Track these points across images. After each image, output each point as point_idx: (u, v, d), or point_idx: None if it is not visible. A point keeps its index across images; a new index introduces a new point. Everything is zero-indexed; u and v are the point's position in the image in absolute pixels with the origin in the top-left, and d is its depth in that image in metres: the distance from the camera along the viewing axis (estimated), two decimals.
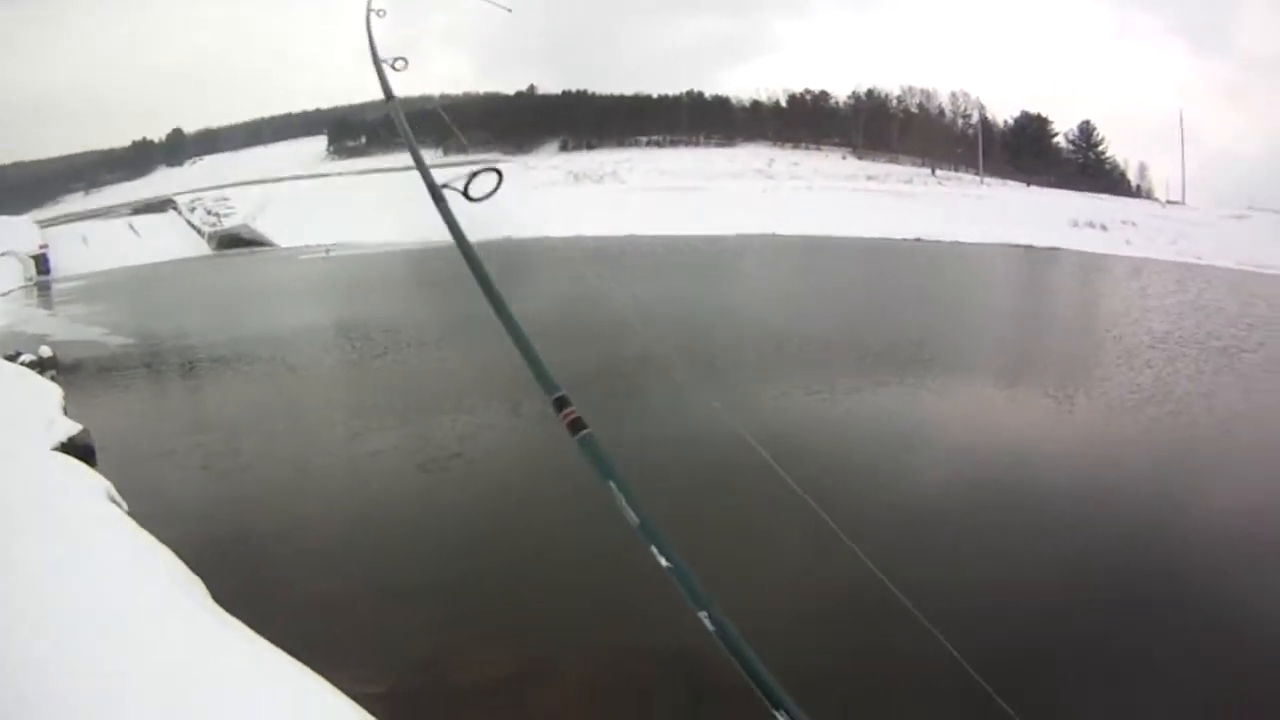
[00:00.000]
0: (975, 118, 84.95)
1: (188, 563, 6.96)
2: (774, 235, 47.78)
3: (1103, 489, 12.65)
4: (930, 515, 11.18)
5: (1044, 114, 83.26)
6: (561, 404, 2.69)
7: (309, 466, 11.89)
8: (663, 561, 2.17)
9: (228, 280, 43.00)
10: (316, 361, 18.29)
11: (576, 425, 2.56)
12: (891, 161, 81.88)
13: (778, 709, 1.95)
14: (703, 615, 2.06)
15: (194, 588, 6.51)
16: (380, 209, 53.98)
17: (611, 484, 2.35)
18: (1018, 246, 50.30)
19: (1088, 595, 9.44)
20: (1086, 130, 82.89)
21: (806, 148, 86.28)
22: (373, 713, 5.14)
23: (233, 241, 61.39)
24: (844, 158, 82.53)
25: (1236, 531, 11.63)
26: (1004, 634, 8.09)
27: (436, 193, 4.45)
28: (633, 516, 2.29)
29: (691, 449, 12.19)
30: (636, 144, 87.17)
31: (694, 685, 6.79)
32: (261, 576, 8.15)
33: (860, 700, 6.77)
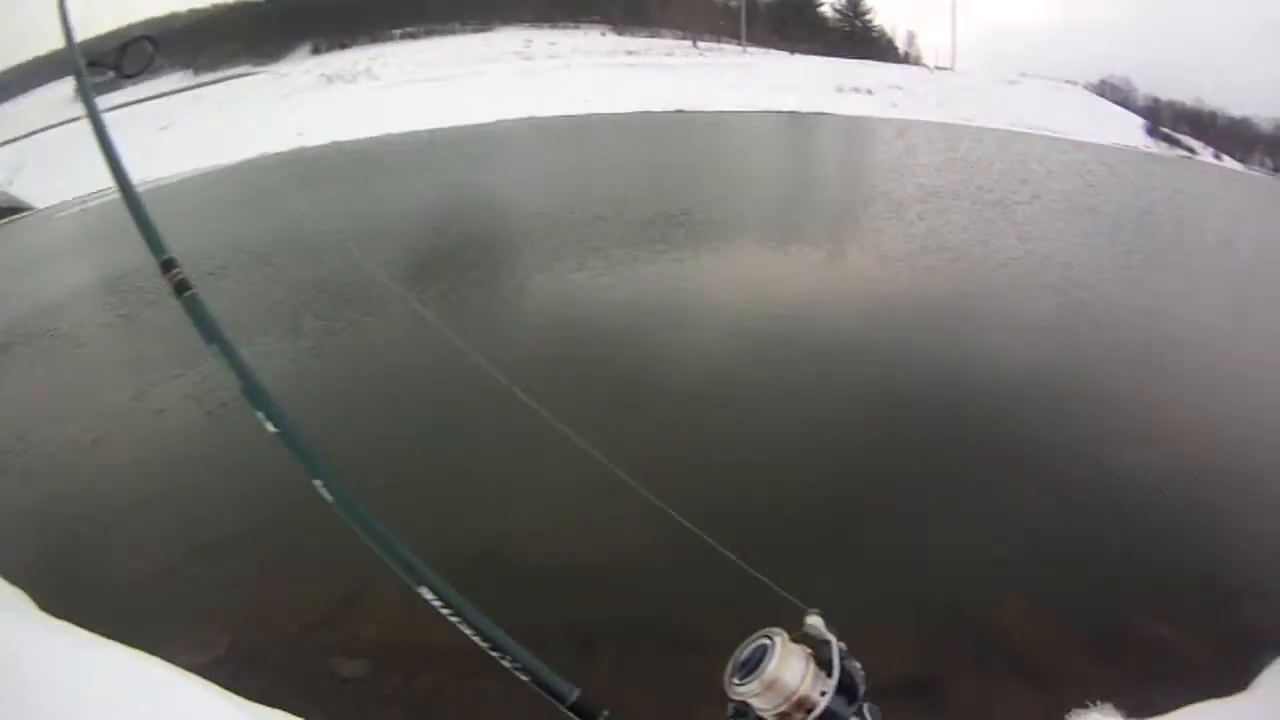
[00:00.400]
0: None
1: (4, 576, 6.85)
2: (533, 118, 46.94)
3: (881, 338, 13.42)
4: (704, 384, 11.66)
5: None
6: (169, 265, 2.62)
7: (101, 443, 11.08)
8: (270, 427, 2.12)
9: None
10: (84, 327, 16.72)
11: (182, 286, 2.50)
12: (653, 36, 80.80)
13: (420, 586, 2.00)
14: (318, 484, 2.01)
15: (17, 600, 6.49)
16: (135, 144, 50.07)
17: (215, 347, 2.29)
18: (782, 113, 51.05)
19: (870, 438, 10.30)
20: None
21: (565, 27, 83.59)
22: (214, 678, 5.18)
23: None
24: (603, 34, 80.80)
25: (1017, 368, 12.69)
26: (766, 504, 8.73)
27: (79, 71, 4.05)
28: (236, 380, 2.22)
29: (402, 353, 12.43)
30: (390, 38, 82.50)
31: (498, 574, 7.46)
32: (80, 571, 7.95)
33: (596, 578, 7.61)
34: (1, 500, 10.07)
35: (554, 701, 1.81)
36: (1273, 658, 6.28)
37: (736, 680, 1.70)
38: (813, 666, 1.68)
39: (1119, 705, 5.75)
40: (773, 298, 15.26)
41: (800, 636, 1.75)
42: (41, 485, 10.28)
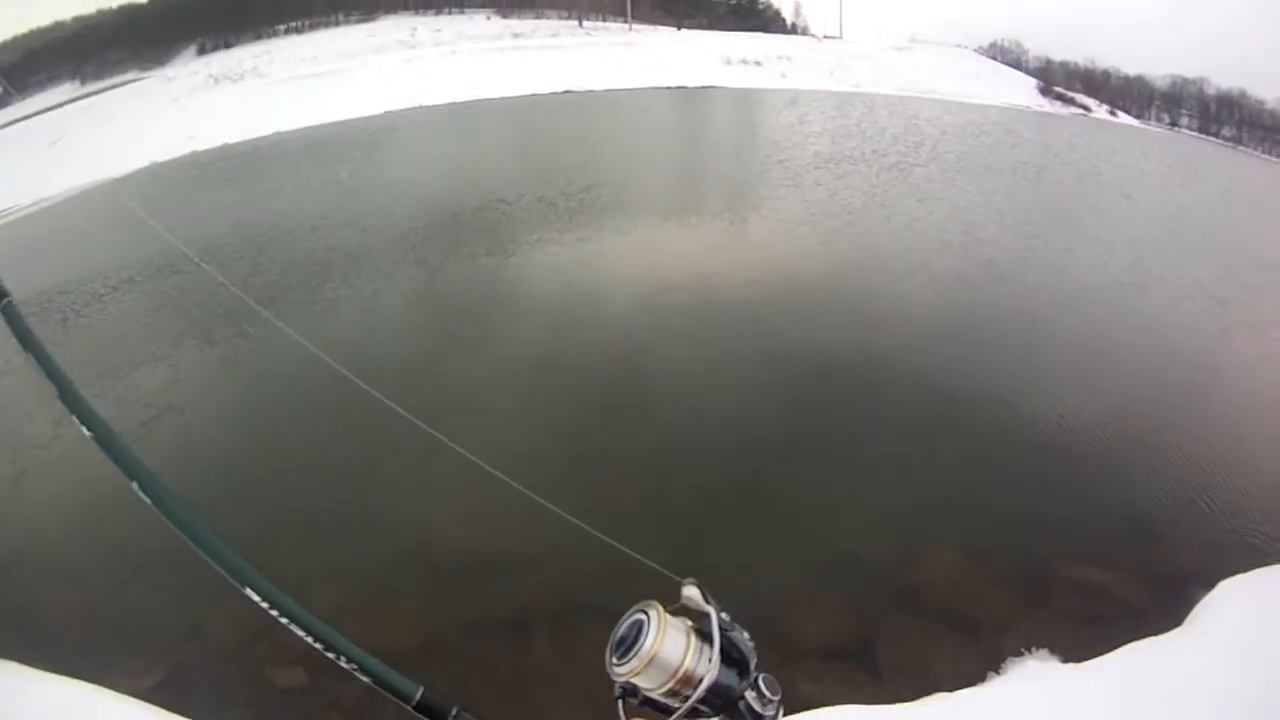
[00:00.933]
0: None
1: None
2: (420, 107, 46.46)
3: (791, 303, 13.57)
4: (613, 359, 11.72)
5: None
6: None
7: (23, 474, 10.65)
8: (85, 431, 2.01)
9: None
10: None
11: None
12: (539, 17, 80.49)
13: (245, 588, 1.82)
14: (134, 486, 1.88)
15: None
16: (26, 161, 48.92)
17: (29, 353, 2.20)
18: (671, 89, 50.89)
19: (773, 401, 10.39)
20: None
21: (449, 12, 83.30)
22: (160, 701, 5.36)
23: None
24: (488, 18, 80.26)
25: (928, 325, 12.92)
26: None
27: None
28: (51, 387, 2.14)
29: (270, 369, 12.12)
30: (275, 34, 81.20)
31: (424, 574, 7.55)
32: (14, 610, 7.58)
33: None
34: None
35: (399, 701, 1.75)
36: (1203, 593, 6.41)
37: (615, 660, 1.62)
38: (694, 639, 1.62)
39: (1055, 650, 6.00)
40: (680, 269, 15.41)
41: (679, 609, 1.69)
42: None
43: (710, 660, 1.61)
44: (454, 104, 47.09)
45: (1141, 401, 10.53)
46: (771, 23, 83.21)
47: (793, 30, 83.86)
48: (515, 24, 76.80)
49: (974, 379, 10.85)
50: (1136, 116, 65.82)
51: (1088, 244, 18.27)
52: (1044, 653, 6.07)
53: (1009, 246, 17.29)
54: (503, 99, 47.66)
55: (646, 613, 1.64)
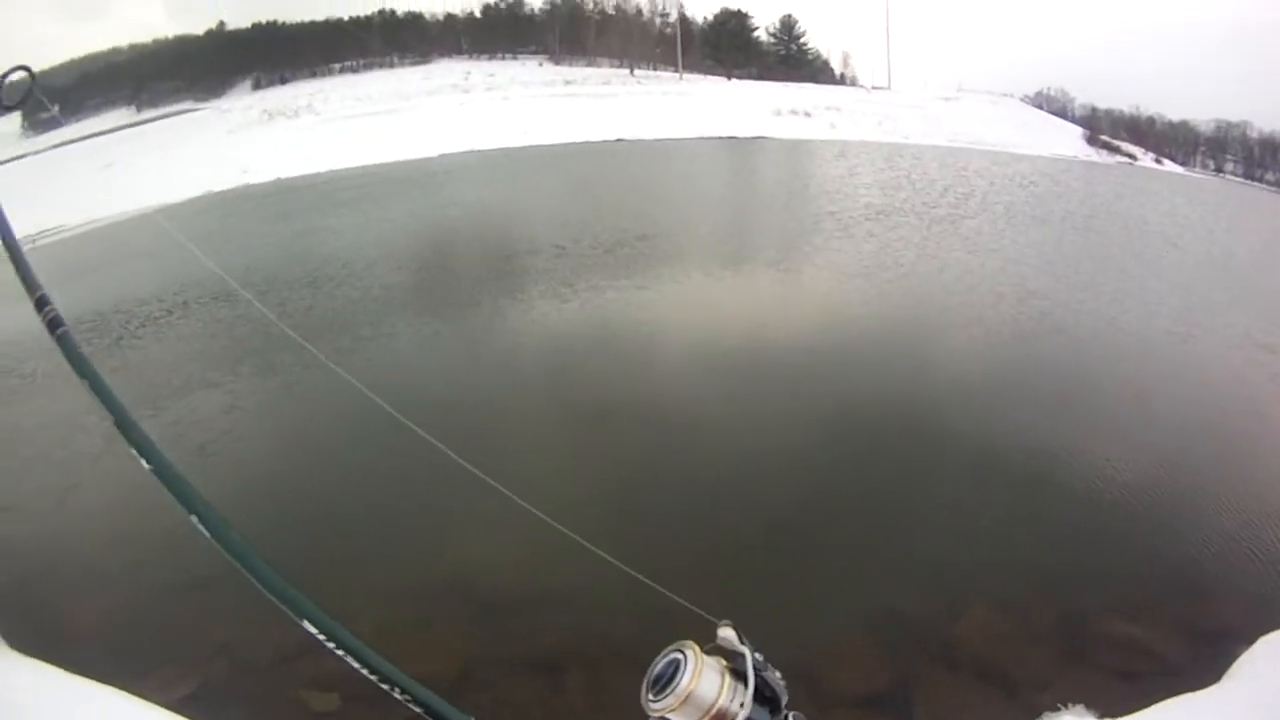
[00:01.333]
0: (674, 16, 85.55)
1: None
2: (473, 151, 46.87)
3: (843, 354, 13.55)
4: (668, 406, 11.63)
5: (743, 9, 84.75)
6: (42, 303, 2.63)
7: (73, 487, 10.68)
8: (144, 464, 2.05)
9: None
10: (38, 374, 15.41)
11: (55, 323, 2.51)
12: (590, 65, 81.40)
13: (303, 620, 1.91)
14: (193, 519, 1.93)
15: None
16: (78, 183, 49.66)
17: (85, 382, 2.27)
18: (721, 138, 51.10)
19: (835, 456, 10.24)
20: (788, 23, 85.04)
21: (503, 58, 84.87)
22: (184, 713, 5.30)
23: None
24: (541, 65, 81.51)
25: (977, 376, 12.91)
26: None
27: None
28: (106, 413, 2.18)
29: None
30: (330, 72, 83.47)
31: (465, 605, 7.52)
32: (53, 609, 7.72)
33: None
34: None
35: None
36: (1243, 649, 6.24)
37: (652, 697, 1.66)
38: (729, 679, 1.66)
39: (1091, 705, 5.80)
40: (733, 319, 15.38)
41: (714, 649, 1.74)
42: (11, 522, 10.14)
43: (743, 699, 1.67)
44: (507, 149, 47.38)
45: (1186, 452, 10.36)
46: (820, 73, 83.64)
47: (841, 81, 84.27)
48: (567, 71, 77.65)
49: (1019, 432, 10.76)
50: (1181, 164, 65.59)
51: (1136, 293, 18.07)
52: (1080, 709, 5.87)
53: (1059, 298, 17.05)
54: (555, 145, 48.08)
55: (684, 652, 1.70)
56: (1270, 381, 13.25)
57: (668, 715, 1.65)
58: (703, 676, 1.65)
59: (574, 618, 7.27)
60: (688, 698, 1.63)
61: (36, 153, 71.84)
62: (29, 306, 2.47)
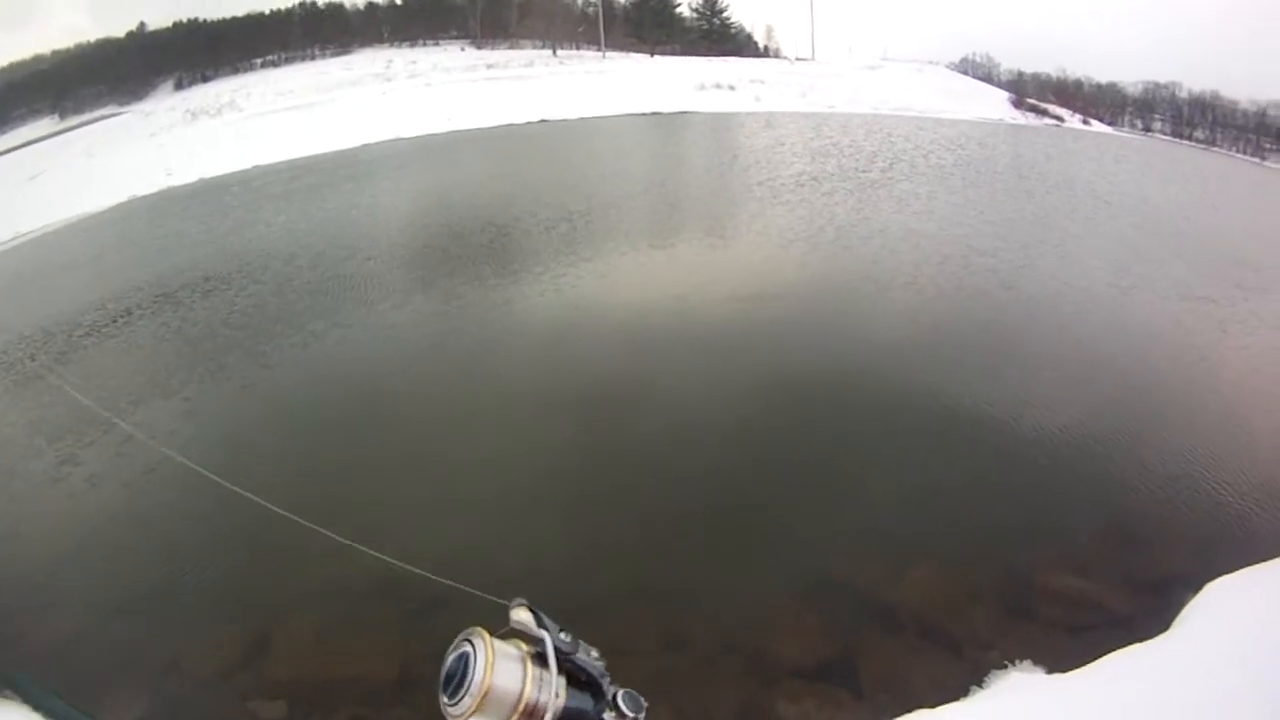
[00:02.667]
0: None
1: None
2: (397, 139, 46.32)
3: (779, 326, 13.43)
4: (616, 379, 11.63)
5: None
6: None
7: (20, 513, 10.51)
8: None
9: None
10: None
11: None
12: (512, 48, 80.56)
13: None
14: None
15: None
16: (4, 196, 48.68)
17: None
18: (644, 115, 51.08)
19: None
20: None
21: (425, 44, 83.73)
22: None
23: None
24: (463, 49, 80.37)
25: (918, 340, 12.78)
26: None
27: None
28: None
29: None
30: (252, 68, 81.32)
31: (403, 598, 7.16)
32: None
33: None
34: None
35: None
36: (1190, 596, 6.30)
37: (448, 700, 1.46)
38: (531, 666, 1.50)
39: (1038, 661, 5.89)
40: (669, 291, 15.24)
41: (508, 633, 1.60)
42: None
43: (557, 689, 1.52)
44: (430, 135, 47.07)
45: (1127, 404, 10.45)
46: (744, 47, 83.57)
47: (765, 53, 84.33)
48: (489, 55, 76.91)
49: (960, 391, 10.71)
50: (1110, 124, 66.32)
51: (1073, 251, 18.27)
52: (1027, 664, 5.97)
53: (1003, 256, 17.24)
54: (478, 129, 47.80)
55: (471, 642, 1.51)
56: (1210, 331, 13.36)
57: (470, 719, 1.44)
58: (498, 668, 1.46)
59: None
60: (486, 695, 1.43)
61: None
62: None
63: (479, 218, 23.01)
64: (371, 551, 3.74)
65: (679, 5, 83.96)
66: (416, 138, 46.86)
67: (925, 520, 8.03)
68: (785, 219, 20.62)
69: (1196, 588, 6.43)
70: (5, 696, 5.92)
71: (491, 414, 10.95)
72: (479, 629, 1.53)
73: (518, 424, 10.57)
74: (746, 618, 6.89)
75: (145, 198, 40.31)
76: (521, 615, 1.63)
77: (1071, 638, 6.31)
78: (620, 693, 1.61)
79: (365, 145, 45.58)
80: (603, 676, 1.61)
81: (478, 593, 2.22)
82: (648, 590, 7.30)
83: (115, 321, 17.58)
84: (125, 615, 7.70)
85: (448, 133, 47.30)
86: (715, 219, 21.79)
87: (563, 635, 1.59)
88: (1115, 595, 6.87)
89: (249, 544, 8.36)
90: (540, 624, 1.60)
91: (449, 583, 2.75)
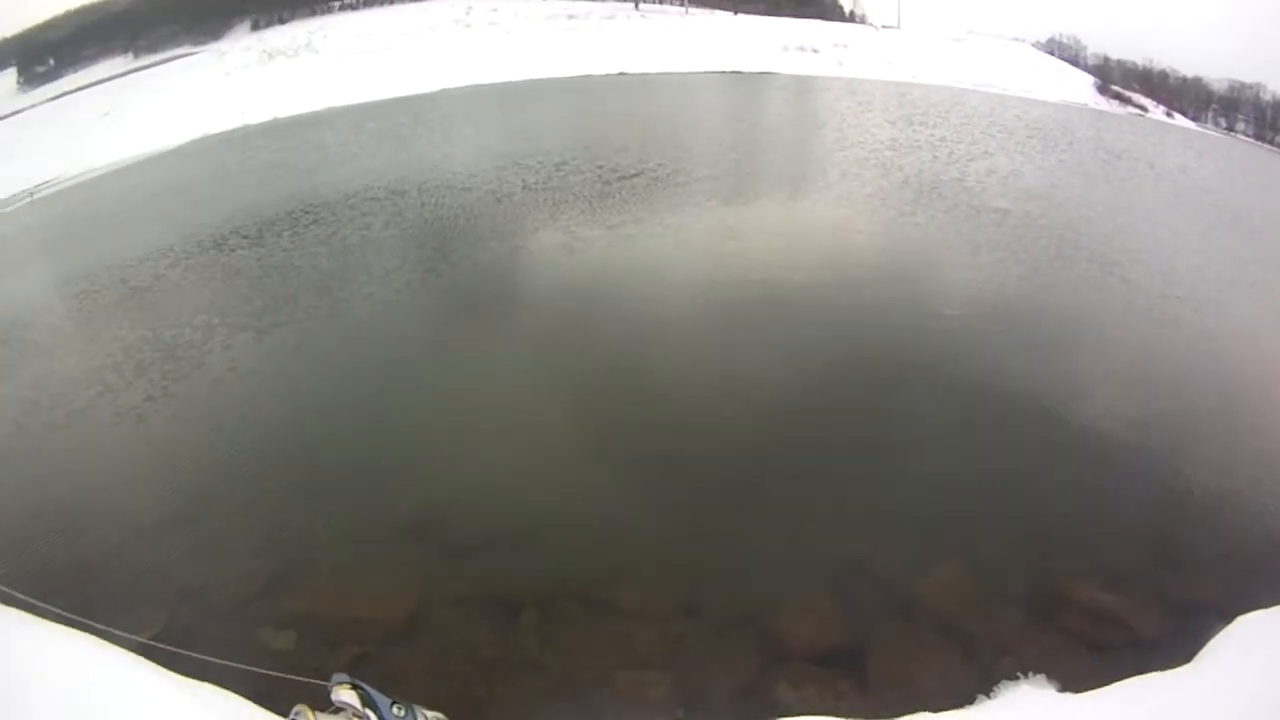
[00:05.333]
0: None
1: None
2: (475, 86, 46.21)
3: (837, 300, 13.01)
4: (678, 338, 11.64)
5: None
6: None
7: (56, 431, 10.85)
8: None
9: None
10: (40, 332, 15.34)
11: None
12: None
13: None
14: None
15: None
16: (78, 132, 49.32)
17: None
18: (726, 73, 50.31)
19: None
20: None
21: None
22: (149, 655, 5.44)
23: None
24: None
25: (981, 323, 12.32)
26: None
27: None
28: None
29: None
30: (330, 10, 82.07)
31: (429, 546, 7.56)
32: (26, 556, 7.82)
33: None
34: None
35: None
36: (1220, 628, 5.90)
37: None
38: None
39: (1052, 677, 5.58)
40: (734, 258, 14.94)
41: (337, 710, 1.52)
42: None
43: None
44: (509, 83, 46.86)
45: (1181, 418, 9.75)
46: (830, 10, 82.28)
47: (850, 18, 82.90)
48: (570, 5, 76.45)
49: (1006, 381, 10.28)
50: (1193, 119, 64.39)
51: (1160, 252, 16.89)
52: (1041, 679, 5.64)
53: (1085, 247, 16.23)
54: (557, 79, 47.60)
55: None
56: None
57: None
58: None
59: None
60: None
61: (34, 106, 71.53)
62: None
63: (548, 164, 23.11)
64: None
65: None
66: (495, 84, 46.63)
67: (961, 513, 7.75)
68: (859, 192, 20.04)
69: (1228, 619, 6.00)
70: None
71: (549, 371, 10.96)
72: (304, 708, 1.58)
73: (572, 382, 10.58)
74: (765, 593, 6.76)
75: (219, 135, 40.47)
76: (345, 695, 1.69)
77: (1091, 655, 6.03)
78: None
79: (443, 90, 45.54)
80: None
81: (297, 678, 2.29)
82: (673, 555, 7.31)
83: (211, 249, 18.32)
84: (153, 540, 7.92)
85: (526, 81, 47.18)
86: (791, 186, 21.24)
87: (395, 710, 1.65)
88: (1143, 616, 6.50)
89: (286, 481, 8.81)
90: (367, 702, 1.64)
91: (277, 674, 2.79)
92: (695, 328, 11.95)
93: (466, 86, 46.46)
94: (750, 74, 50.93)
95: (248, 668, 5.10)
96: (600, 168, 21.92)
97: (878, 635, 6.35)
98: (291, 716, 1.26)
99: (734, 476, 8.33)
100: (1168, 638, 6.04)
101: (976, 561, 7.07)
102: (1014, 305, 13.01)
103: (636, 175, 21.14)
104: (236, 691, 5.30)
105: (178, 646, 5.50)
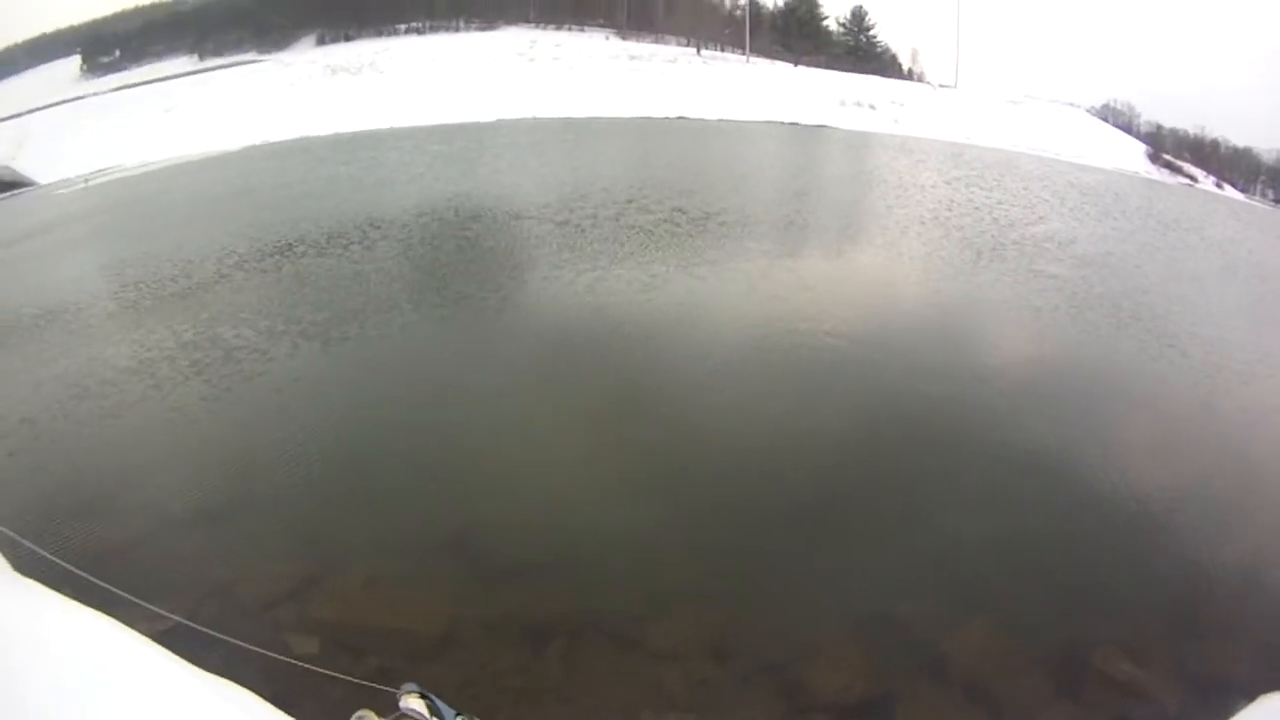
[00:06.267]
0: None
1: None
2: (535, 119, 46.51)
3: (880, 353, 13.06)
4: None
5: None
6: None
7: (100, 415, 11.09)
8: None
9: None
10: (92, 317, 15.66)
11: None
12: (657, 42, 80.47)
13: None
14: None
15: None
16: (137, 125, 50.07)
17: None
18: (784, 124, 50.40)
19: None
20: (858, 14, 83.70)
21: (569, 28, 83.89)
22: (171, 646, 5.50)
23: None
24: (607, 38, 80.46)
25: (1018, 381, 12.43)
26: None
27: None
28: None
29: None
30: (395, 33, 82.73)
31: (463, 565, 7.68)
32: (58, 539, 7.82)
33: None
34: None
35: None
36: (1242, 705, 5.99)
37: None
38: None
39: None
40: (774, 308, 14.92)
41: (400, 716, 1.50)
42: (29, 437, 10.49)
43: None
44: (569, 119, 47.12)
45: (1215, 488, 9.75)
46: (888, 67, 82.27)
47: (908, 76, 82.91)
48: (633, 46, 76.97)
49: (1043, 440, 10.33)
50: (1242, 190, 63.94)
51: (1202, 320, 16.84)
52: None
53: (1122, 307, 16.45)
54: (617, 118, 47.89)
55: None
56: None
57: None
58: None
59: None
60: None
61: (95, 95, 72.52)
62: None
63: (616, 199, 23.37)
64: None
65: (826, 18, 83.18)
66: (555, 119, 46.85)
67: (993, 571, 7.86)
68: (921, 250, 20.15)
69: (1250, 697, 6.08)
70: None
71: (607, 405, 11.01)
72: (368, 713, 1.48)
73: (628, 419, 10.62)
74: (794, 640, 6.82)
75: (279, 143, 40.95)
76: (413, 703, 1.63)
77: None
78: None
79: (502, 120, 45.82)
80: None
81: (364, 682, 2.29)
82: (704, 596, 7.38)
83: (276, 254, 18.67)
84: (187, 532, 8.07)
85: (586, 118, 47.40)
86: (856, 241, 21.51)
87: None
88: (1166, 688, 6.53)
89: (330, 489, 8.93)
90: (434, 712, 1.58)
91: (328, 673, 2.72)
92: (753, 374, 12.04)
93: (526, 119, 46.69)
94: (807, 126, 50.94)
95: (316, 668, 5.17)
96: (669, 208, 22.11)
97: (906, 691, 6.42)
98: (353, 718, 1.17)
99: (773, 523, 8.41)
100: (1189, 712, 6.15)
101: (1007, 621, 7.15)
102: (1069, 370, 13.10)
103: (705, 218, 21.35)
104: (253, 689, 5.37)
105: (199, 641, 5.70)
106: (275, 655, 5.24)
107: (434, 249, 18.60)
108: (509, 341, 13.20)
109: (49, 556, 6.23)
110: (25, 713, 4.42)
